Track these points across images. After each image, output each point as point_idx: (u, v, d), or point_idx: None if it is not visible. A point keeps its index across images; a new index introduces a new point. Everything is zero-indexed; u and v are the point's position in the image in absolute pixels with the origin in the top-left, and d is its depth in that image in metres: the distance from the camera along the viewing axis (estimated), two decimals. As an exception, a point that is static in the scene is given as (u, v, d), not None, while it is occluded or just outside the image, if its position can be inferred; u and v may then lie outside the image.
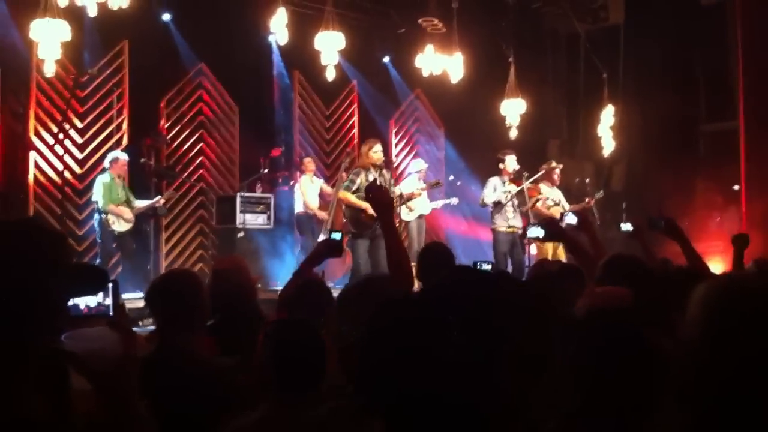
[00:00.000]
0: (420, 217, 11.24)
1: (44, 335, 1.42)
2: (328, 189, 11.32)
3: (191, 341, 3.19)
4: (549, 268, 4.63)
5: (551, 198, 10.87)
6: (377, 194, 3.66)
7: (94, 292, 1.71)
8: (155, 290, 3.37)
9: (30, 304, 1.37)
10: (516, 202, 10.28)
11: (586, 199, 11.26)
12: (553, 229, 4.41)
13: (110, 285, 1.86)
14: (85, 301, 1.93)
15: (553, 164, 11.14)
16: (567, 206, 10.93)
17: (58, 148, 10.07)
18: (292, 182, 12.10)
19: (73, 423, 1.38)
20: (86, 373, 1.55)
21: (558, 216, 10.43)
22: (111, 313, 1.93)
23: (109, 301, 1.88)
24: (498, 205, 10.13)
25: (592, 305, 2.09)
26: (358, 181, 8.81)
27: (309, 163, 11.60)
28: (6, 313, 1.35)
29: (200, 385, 2.93)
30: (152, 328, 3.47)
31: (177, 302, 3.24)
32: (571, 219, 5.22)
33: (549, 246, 9.91)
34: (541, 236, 4.41)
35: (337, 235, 4.05)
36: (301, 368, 2.59)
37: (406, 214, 11.23)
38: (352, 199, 8.66)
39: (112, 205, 9.43)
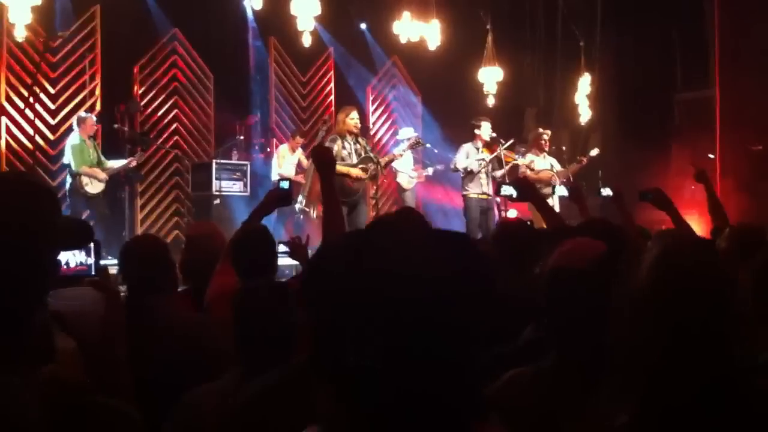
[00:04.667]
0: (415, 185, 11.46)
1: (37, 294, 1.38)
2: (305, 161, 11.23)
3: (163, 301, 3.17)
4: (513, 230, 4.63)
5: (540, 165, 10.85)
6: (320, 155, 3.67)
7: (79, 247, 1.68)
8: (126, 252, 3.35)
9: (24, 261, 1.33)
10: (490, 167, 10.28)
11: (579, 158, 11.29)
12: (525, 188, 4.41)
13: (92, 245, 1.83)
14: (65, 260, 1.90)
15: (540, 131, 11.16)
16: (560, 169, 10.93)
17: (29, 113, 9.92)
18: (268, 149, 12.01)
19: (67, 394, 1.35)
20: (74, 333, 1.52)
21: (548, 179, 10.47)
22: (93, 273, 1.90)
23: (90, 260, 1.85)
24: (471, 173, 10.11)
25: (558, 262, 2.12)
26: (335, 148, 8.75)
27: (297, 142, 11.37)
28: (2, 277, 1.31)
29: (174, 343, 2.91)
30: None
31: (148, 264, 3.23)
32: (562, 191, 5.23)
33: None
34: (514, 195, 4.42)
35: (285, 184, 4.05)
36: (265, 340, 2.50)
37: (406, 181, 11.35)
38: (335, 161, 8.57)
39: (84, 166, 9.31)
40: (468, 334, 1.14)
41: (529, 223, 5.66)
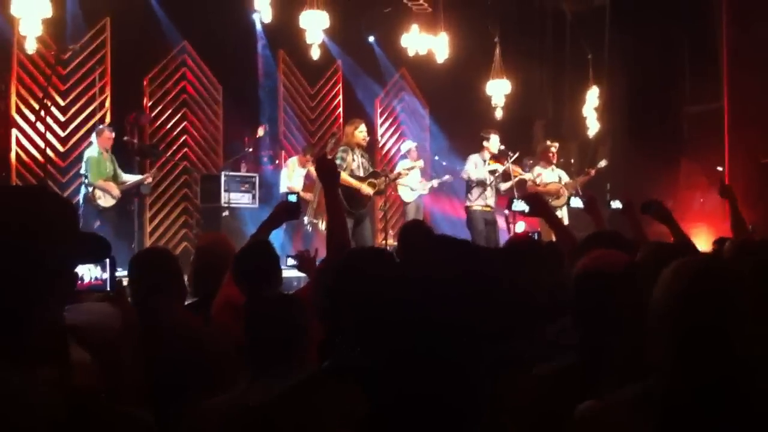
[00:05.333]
0: (419, 196, 11.38)
1: (55, 305, 1.40)
2: (314, 172, 11.23)
3: (166, 305, 3.19)
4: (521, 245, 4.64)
5: (548, 177, 10.84)
6: (324, 165, 3.68)
7: (96, 261, 1.70)
8: (137, 263, 3.38)
9: (42, 272, 1.35)
10: (497, 180, 10.28)
11: (587, 169, 11.30)
12: (536, 203, 4.43)
13: (108, 260, 1.85)
14: (81, 274, 1.91)
15: (548, 143, 11.18)
16: (568, 181, 10.93)
17: (39, 126, 9.96)
18: (276, 161, 12.03)
19: (75, 396, 1.36)
20: (89, 346, 1.53)
21: (557, 192, 10.49)
22: (108, 288, 1.92)
23: (106, 275, 1.86)
24: (481, 185, 10.10)
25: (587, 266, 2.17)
26: (348, 158, 8.79)
27: (306, 159, 11.40)
28: (18, 281, 1.33)
29: (186, 351, 2.93)
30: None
31: (159, 273, 3.28)
32: (577, 202, 5.23)
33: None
34: (526, 210, 4.43)
35: (293, 197, 4.04)
36: (273, 346, 2.53)
37: (407, 194, 11.31)
38: (345, 177, 8.59)
39: (101, 180, 9.34)
40: (471, 335, 1.15)
41: (536, 235, 5.66)
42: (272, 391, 2.25)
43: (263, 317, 2.57)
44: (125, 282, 3.23)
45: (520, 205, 4.43)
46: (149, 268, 3.32)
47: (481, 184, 10.05)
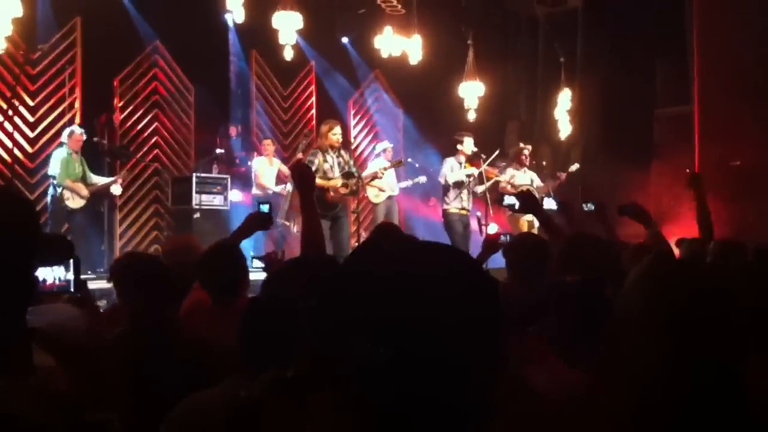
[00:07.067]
0: (389, 198, 11.29)
1: (17, 308, 1.37)
2: (285, 170, 11.22)
3: (172, 318, 3.14)
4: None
5: (521, 179, 10.89)
6: (300, 172, 3.67)
7: (59, 262, 1.66)
8: (129, 269, 3.26)
9: (2, 273, 1.31)
10: (471, 183, 10.31)
11: (558, 174, 11.36)
12: (528, 201, 4.42)
13: (72, 261, 1.81)
14: (43, 276, 1.88)
15: (521, 145, 11.24)
16: (540, 185, 11.00)
17: (7, 126, 9.85)
18: (249, 163, 11.99)
19: (44, 403, 1.33)
20: (54, 350, 1.49)
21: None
22: (72, 289, 1.88)
23: (70, 276, 1.83)
24: (458, 187, 10.12)
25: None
26: (316, 162, 8.76)
27: (268, 145, 11.45)
28: None
29: (186, 361, 2.89)
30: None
31: (156, 280, 3.16)
32: (551, 204, 5.26)
33: (524, 225, 10.04)
34: (516, 206, 4.43)
35: (265, 207, 4.01)
36: (265, 345, 2.48)
37: (374, 196, 11.25)
38: (317, 180, 8.55)
39: (68, 180, 9.26)
40: (472, 335, 1.14)
41: (508, 237, 5.68)
42: (259, 387, 2.23)
43: (261, 316, 2.55)
44: (90, 284, 3.16)
45: (510, 200, 4.42)
46: (144, 279, 3.19)
47: (458, 186, 10.08)
